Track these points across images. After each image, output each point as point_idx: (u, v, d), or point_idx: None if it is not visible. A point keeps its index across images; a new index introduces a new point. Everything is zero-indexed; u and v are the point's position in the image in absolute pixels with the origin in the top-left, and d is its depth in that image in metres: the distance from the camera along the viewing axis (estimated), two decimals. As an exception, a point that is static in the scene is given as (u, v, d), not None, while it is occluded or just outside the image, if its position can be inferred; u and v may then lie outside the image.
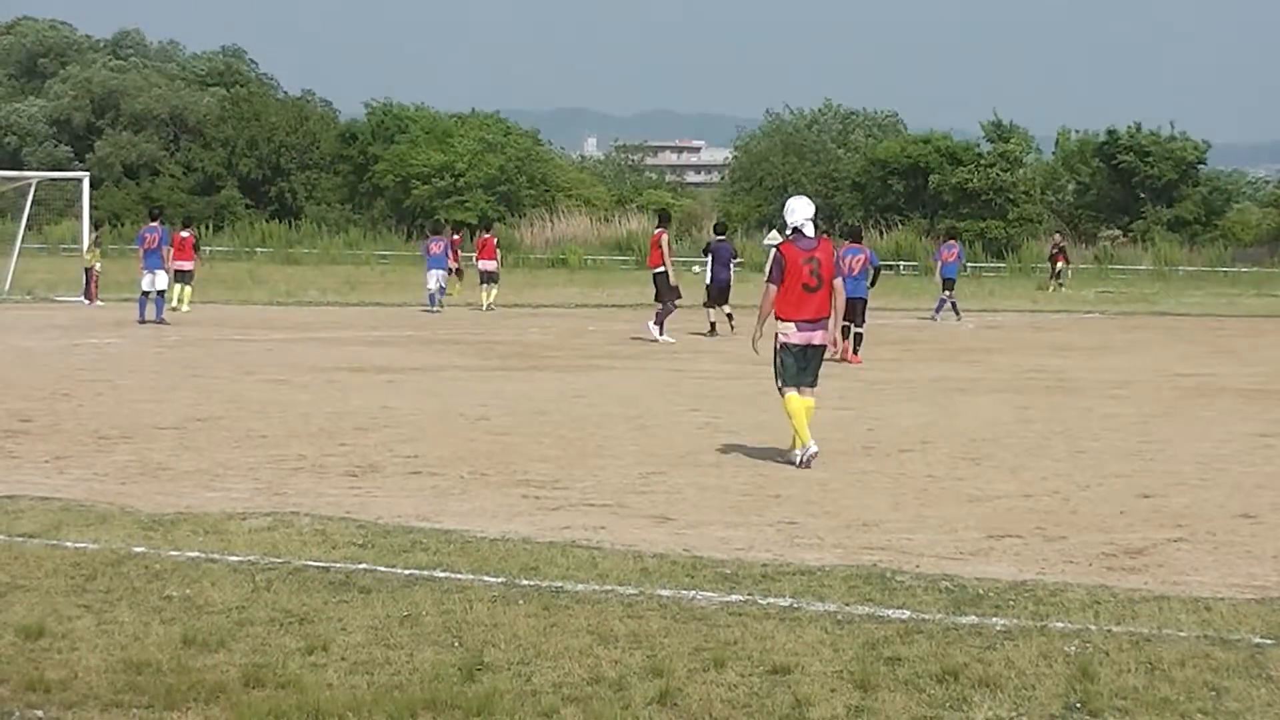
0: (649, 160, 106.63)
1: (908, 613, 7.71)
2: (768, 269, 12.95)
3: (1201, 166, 71.47)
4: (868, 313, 24.11)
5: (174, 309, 30.91)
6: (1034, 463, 12.95)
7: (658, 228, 28.91)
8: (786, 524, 10.13)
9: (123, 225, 65.44)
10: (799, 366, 12.82)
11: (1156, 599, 8.05)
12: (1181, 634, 7.35)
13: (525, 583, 8.24)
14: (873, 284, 24.56)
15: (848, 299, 23.47)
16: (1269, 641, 7.25)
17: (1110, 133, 71.74)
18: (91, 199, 41.41)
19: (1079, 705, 6.30)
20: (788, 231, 13.06)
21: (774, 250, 12.98)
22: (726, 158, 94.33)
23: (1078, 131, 75.58)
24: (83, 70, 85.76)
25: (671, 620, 7.51)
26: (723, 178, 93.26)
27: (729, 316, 27.94)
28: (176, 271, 31.56)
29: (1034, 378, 20.96)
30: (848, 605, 7.85)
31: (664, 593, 8.05)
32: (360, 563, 8.68)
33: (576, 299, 40.65)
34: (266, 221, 73.30)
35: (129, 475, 11.79)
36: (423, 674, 6.60)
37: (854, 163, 74.17)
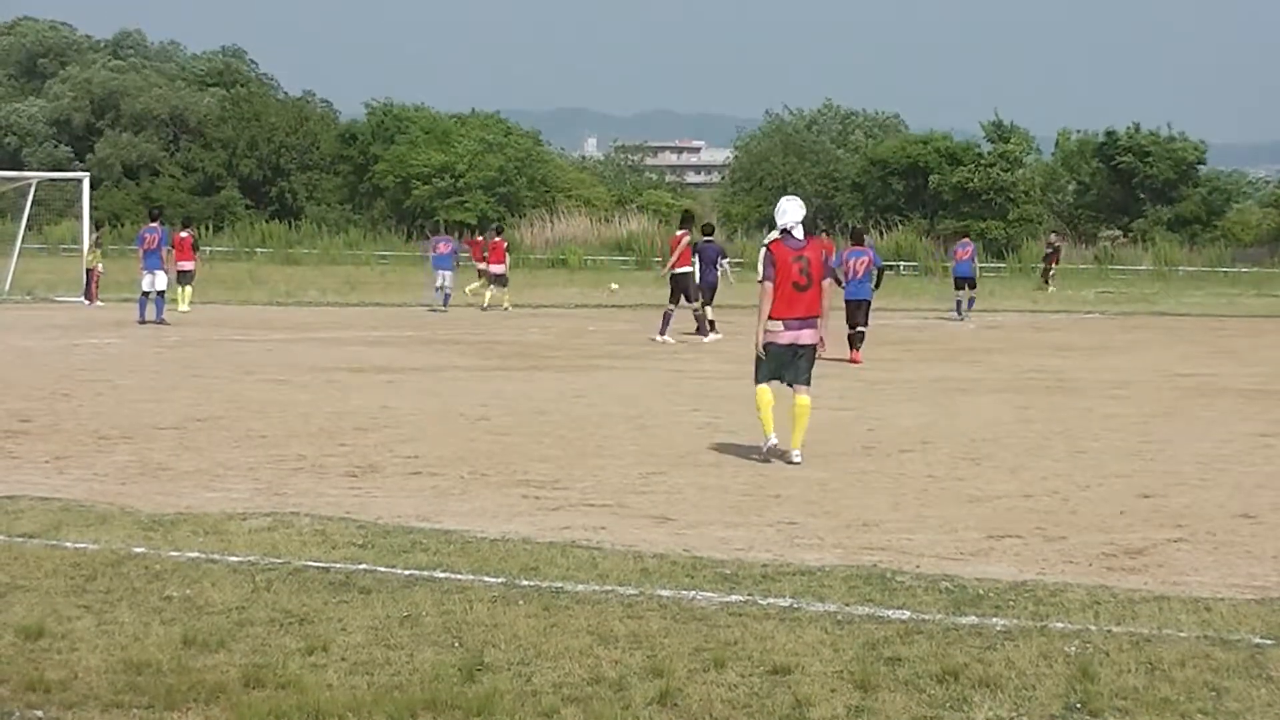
0: (649, 160, 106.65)
1: (908, 613, 7.70)
2: (760, 269, 12.96)
3: (1201, 167, 71.53)
4: (871, 315, 24.12)
5: (173, 307, 30.90)
6: (1034, 463, 12.94)
7: (680, 229, 28.76)
8: (786, 524, 10.13)
9: (123, 225, 65.44)
10: (779, 364, 12.85)
11: (1156, 599, 8.05)
12: (1182, 634, 7.35)
13: (525, 583, 8.24)
14: (877, 285, 24.58)
15: (853, 301, 23.86)
16: (1269, 642, 7.25)
17: (1109, 133, 71.80)
18: (91, 199, 41.41)
19: (1079, 705, 6.30)
20: (777, 231, 13.08)
21: (763, 249, 13.01)
22: (726, 158, 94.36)
23: (1078, 132, 75.66)
24: (83, 71, 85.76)
25: (672, 620, 7.51)
26: (723, 178, 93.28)
27: (699, 318, 27.88)
28: (178, 272, 31.58)
29: (1034, 378, 20.96)
30: (848, 605, 7.85)
31: (664, 593, 8.05)
32: (360, 563, 8.68)
33: (576, 299, 40.66)
34: (266, 222, 73.32)
35: (129, 475, 11.79)
36: (423, 674, 6.60)
37: (854, 163, 74.21)
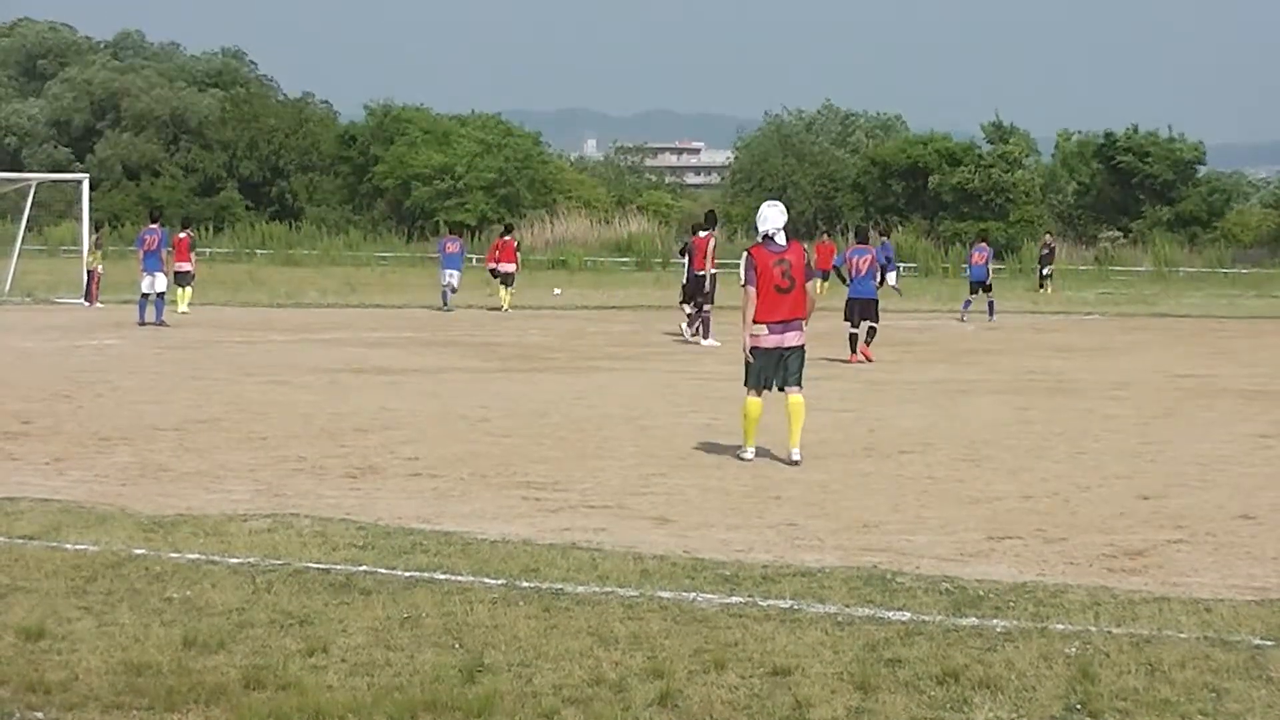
0: (648, 161, 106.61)
1: (908, 614, 7.71)
2: (741, 274, 13.01)
3: (1200, 167, 71.54)
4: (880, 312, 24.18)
5: (172, 308, 30.90)
6: (1034, 464, 12.95)
7: (704, 230, 28.66)
8: (787, 525, 10.13)
9: (122, 226, 65.42)
10: (768, 368, 12.90)
11: (1157, 600, 8.05)
12: (1182, 635, 7.35)
13: (526, 584, 8.24)
14: (880, 283, 24.61)
15: (860, 300, 23.93)
16: (1269, 643, 7.25)
17: (1109, 134, 71.80)
18: (91, 200, 41.41)
19: (1079, 706, 6.30)
20: (759, 236, 13.13)
21: (744, 254, 13.07)
22: (726, 159, 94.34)
23: (1078, 133, 75.68)
24: (83, 71, 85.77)
25: (672, 622, 7.51)
26: (723, 179, 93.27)
27: (689, 319, 27.90)
28: (176, 273, 31.58)
29: (1034, 379, 20.97)
30: (848, 607, 7.85)
31: (664, 594, 8.05)
32: (361, 564, 8.68)
33: (577, 300, 40.65)
34: (267, 223, 73.31)
35: (129, 477, 11.79)
36: (423, 676, 6.61)
37: (854, 164, 74.23)
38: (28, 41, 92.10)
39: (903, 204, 70.07)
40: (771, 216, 13.01)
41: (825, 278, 46.26)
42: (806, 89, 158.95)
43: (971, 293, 34.81)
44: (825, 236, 55.40)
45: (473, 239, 67.82)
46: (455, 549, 9.11)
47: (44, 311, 33.63)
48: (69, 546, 9.04)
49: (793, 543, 9.57)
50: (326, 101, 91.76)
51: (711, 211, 32.32)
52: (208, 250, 61.59)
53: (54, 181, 55.17)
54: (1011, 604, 7.94)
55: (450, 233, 40.92)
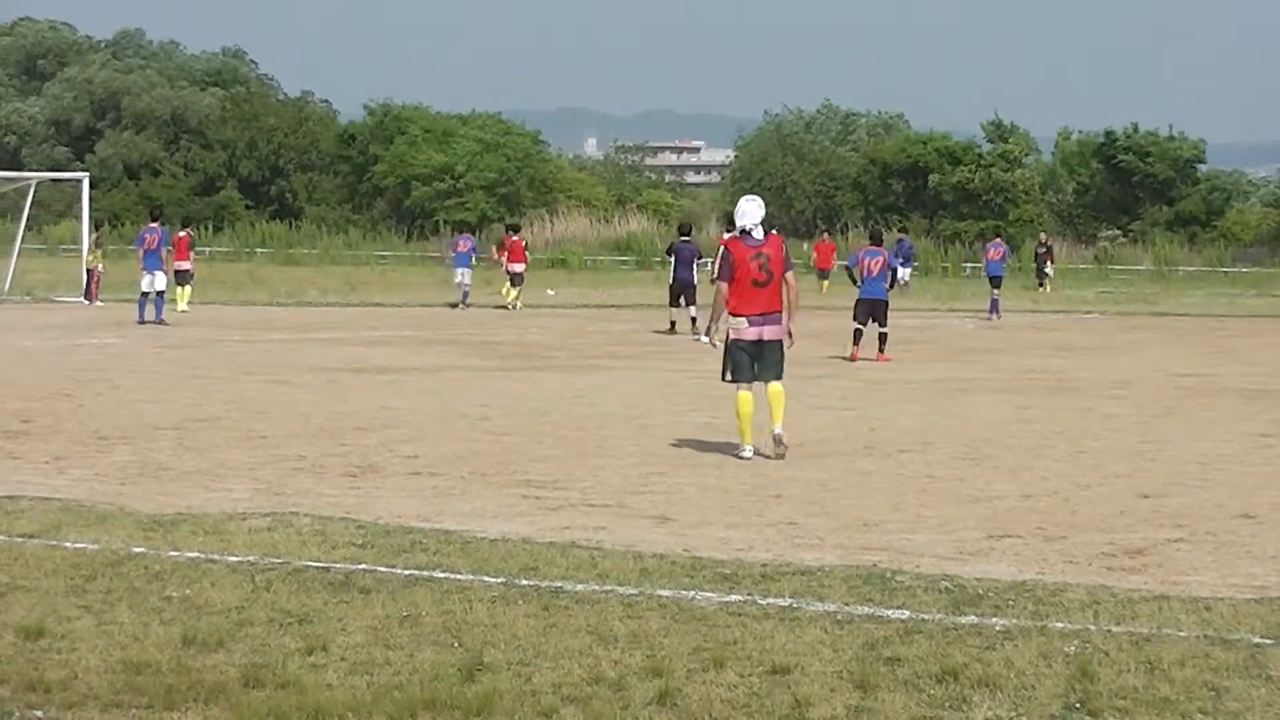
0: (648, 160, 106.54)
1: (907, 613, 7.70)
2: (716, 267, 13.09)
3: (1200, 165, 71.52)
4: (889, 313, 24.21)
5: (172, 307, 30.90)
6: (1034, 463, 12.95)
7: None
8: (786, 524, 10.13)
9: (122, 225, 65.42)
10: (751, 361, 12.99)
11: (1156, 599, 8.05)
12: (1181, 634, 7.35)
13: (525, 583, 8.24)
14: (891, 285, 24.65)
15: (870, 300, 23.96)
16: (1269, 641, 7.25)
17: (1109, 133, 71.77)
18: (91, 199, 41.41)
19: (1079, 705, 6.30)
20: (736, 230, 13.19)
21: (721, 248, 13.14)
22: (726, 157, 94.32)
23: (1078, 132, 75.65)
24: (83, 71, 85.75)
25: (671, 620, 7.51)
26: (723, 178, 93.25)
27: (693, 320, 27.89)
28: (175, 272, 31.59)
29: (1034, 378, 20.97)
30: (847, 605, 7.85)
31: (664, 593, 8.05)
32: (360, 563, 8.68)
33: (576, 299, 40.66)
34: (266, 222, 73.29)
35: (129, 475, 11.79)
36: (422, 674, 6.60)
37: (854, 162, 74.22)
38: (27, 41, 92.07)
39: (903, 203, 70.06)
40: (749, 211, 13.09)
41: (824, 276, 46.36)
42: (807, 89, 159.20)
43: (995, 288, 35.15)
44: (826, 235, 55.44)
45: (471, 237, 67.59)
46: (455, 547, 9.11)
47: (44, 310, 33.64)
48: (69, 545, 9.04)
49: (792, 541, 9.57)
50: (326, 101, 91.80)
51: (688, 224, 32.70)
52: (207, 249, 61.60)
53: (54, 181, 55.17)
54: (1011, 602, 7.94)
55: (460, 231, 41.57)
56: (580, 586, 8.18)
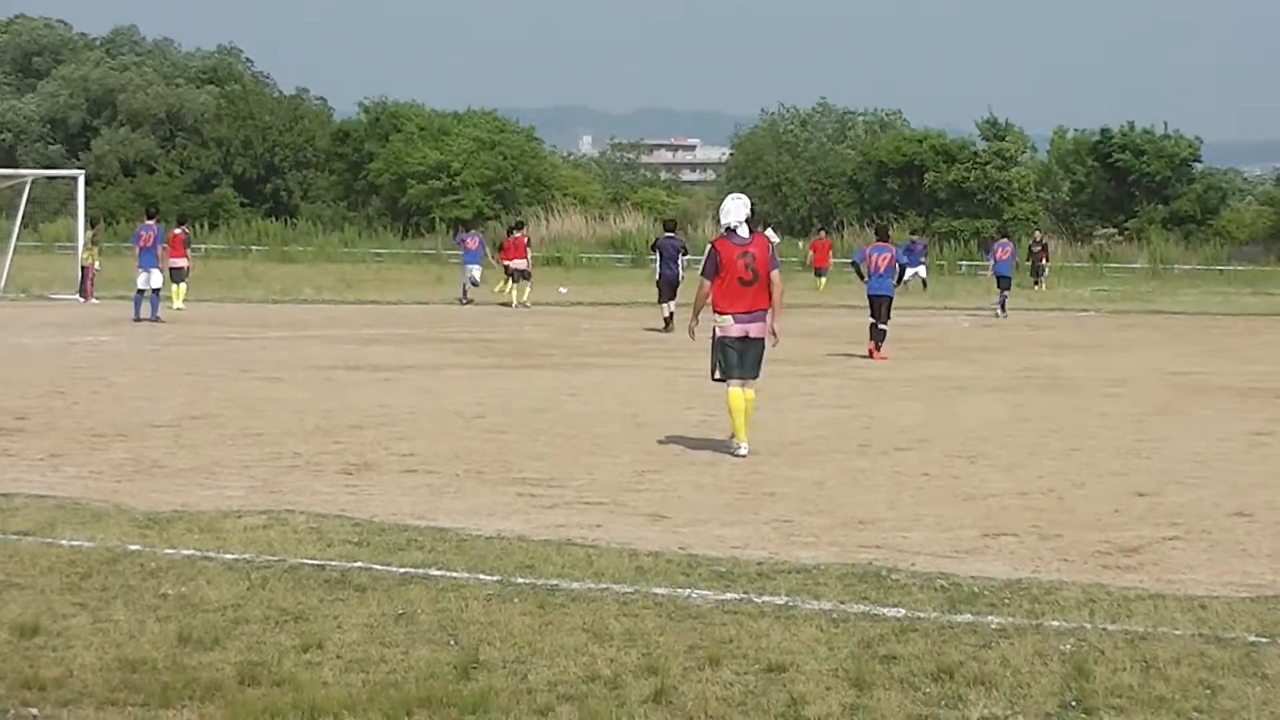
0: (644, 158, 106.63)
1: (903, 611, 7.71)
2: (702, 265, 13.19)
3: (1196, 164, 71.54)
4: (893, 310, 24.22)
5: (167, 304, 30.88)
6: (1030, 461, 12.95)
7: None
8: (782, 522, 10.13)
9: (118, 223, 65.38)
10: (735, 356, 13.04)
11: (1152, 597, 8.05)
12: (1177, 632, 7.35)
13: (521, 581, 8.23)
14: (898, 282, 24.66)
15: (875, 296, 23.99)
16: (1264, 639, 7.26)
17: (1104, 131, 71.77)
18: (86, 197, 41.37)
19: (1074, 703, 6.30)
20: (722, 229, 13.23)
21: (709, 245, 13.22)
22: (722, 155, 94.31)
23: (1073, 130, 75.63)
24: (78, 68, 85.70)
25: (667, 618, 7.51)
26: (718, 176, 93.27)
27: (669, 316, 28.09)
28: (170, 269, 31.57)
29: (1030, 376, 20.97)
30: (843, 603, 7.85)
31: (659, 591, 8.05)
32: (355, 561, 8.68)
33: (572, 297, 40.65)
34: (262, 219, 73.28)
35: (124, 473, 11.78)
36: (418, 672, 6.60)
37: (850, 159, 74.22)
38: (23, 38, 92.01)
39: (898, 201, 70.07)
40: (734, 209, 13.14)
41: (821, 275, 46.34)
42: (804, 87, 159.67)
43: (1003, 289, 35.49)
44: (823, 233, 55.45)
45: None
46: (450, 545, 9.11)
47: (39, 308, 33.61)
48: (64, 542, 9.03)
49: (788, 539, 9.57)
50: (321, 98, 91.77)
51: (673, 220, 33.04)
52: (203, 247, 61.55)
53: (49, 178, 55.13)
54: (1006, 601, 7.94)
55: (469, 229, 42.41)
56: (576, 584, 8.18)
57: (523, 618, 7.46)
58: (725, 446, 13.28)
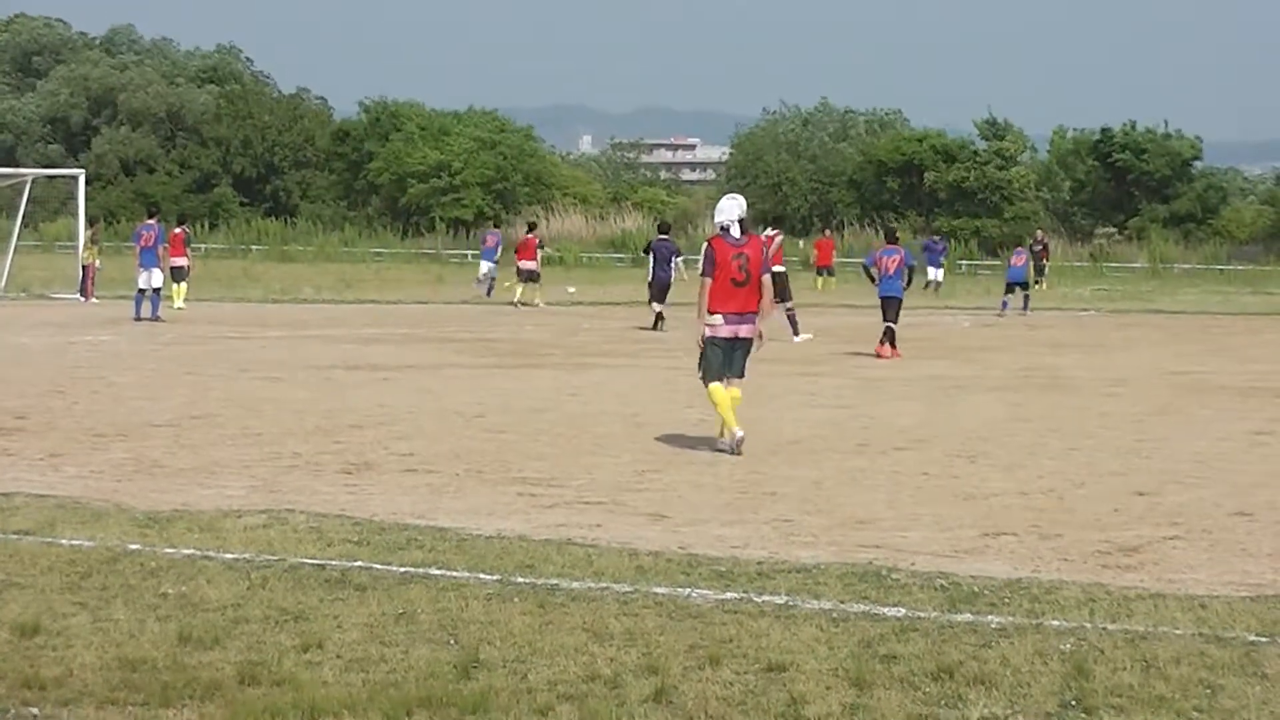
0: (644, 158, 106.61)
1: (903, 610, 7.70)
2: (700, 265, 13.19)
3: (1196, 163, 71.59)
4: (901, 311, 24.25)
5: (167, 304, 30.88)
6: (1030, 460, 12.95)
7: (771, 229, 28.47)
8: (782, 521, 10.13)
9: (118, 222, 65.41)
10: (725, 358, 13.09)
11: (1152, 597, 8.05)
12: (1177, 631, 7.35)
13: (521, 580, 8.23)
14: (908, 284, 24.71)
15: (885, 298, 24.03)
16: (1264, 639, 7.25)
17: (1104, 131, 71.82)
18: (87, 196, 41.39)
19: (1074, 703, 6.30)
20: (716, 228, 13.23)
21: (705, 245, 13.22)
22: (722, 155, 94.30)
23: (1074, 130, 75.67)
24: (78, 68, 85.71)
25: (667, 618, 7.50)
26: (718, 175, 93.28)
27: (659, 316, 28.21)
28: (171, 269, 31.58)
29: (1030, 376, 20.97)
30: (843, 603, 7.85)
31: (659, 590, 8.05)
32: (355, 560, 8.68)
33: (572, 296, 40.64)
34: (262, 219, 73.31)
35: (124, 472, 11.78)
36: (418, 671, 6.60)
37: (850, 158, 74.25)
38: (23, 37, 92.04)
39: (898, 200, 70.13)
40: (728, 209, 13.16)
41: (822, 274, 46.36)
42: (805, 87, 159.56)
43: (1008, 291, 36.15)
44: (826, 232, 55.46)
45: (466, 235, 67.80)
46: (450, 545, 9.11)
47: (39, 307, 33.61)
48: (64, 542, 9.03)
49: (788, 539, 9.57)
50: (321, 98, 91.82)
51: (667, 223, 33.34)
52: (203, 246, 61.56)
53: (50, 177, 55.13)
54: (1006, 600, 7.94)
55: (494, 226, 45.25)
56: (576, 584, 8.18)
57: (523, 617, 7.46)
58: (718, 447, 13.25)
